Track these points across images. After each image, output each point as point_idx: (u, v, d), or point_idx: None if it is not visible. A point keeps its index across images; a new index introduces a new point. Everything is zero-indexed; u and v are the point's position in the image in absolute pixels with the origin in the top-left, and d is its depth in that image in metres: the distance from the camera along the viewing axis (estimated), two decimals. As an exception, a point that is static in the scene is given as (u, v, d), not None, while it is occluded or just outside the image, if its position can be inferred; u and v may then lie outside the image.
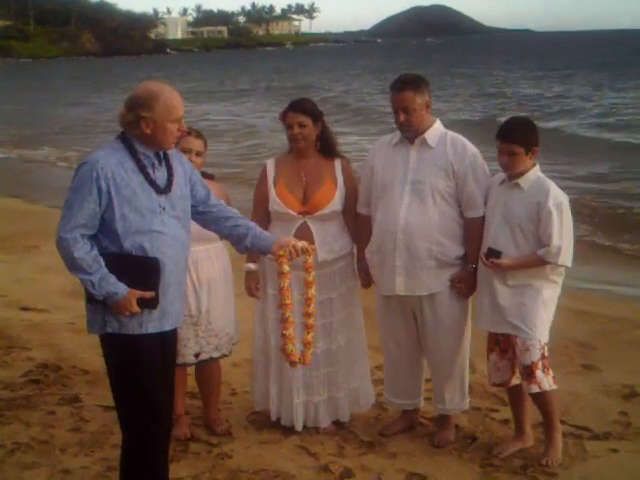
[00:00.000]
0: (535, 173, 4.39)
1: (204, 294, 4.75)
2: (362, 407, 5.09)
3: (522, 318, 4.37)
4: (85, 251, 3.48)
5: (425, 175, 4.52)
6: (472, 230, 4.55)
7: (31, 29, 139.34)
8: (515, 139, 4.32)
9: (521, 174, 4.38)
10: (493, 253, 4.34)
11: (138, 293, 3.55)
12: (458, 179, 4.50)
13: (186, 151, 4.57)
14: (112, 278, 3.51)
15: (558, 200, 4.28)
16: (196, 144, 4.68)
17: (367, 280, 4.88)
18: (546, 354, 4.42)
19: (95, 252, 3.50)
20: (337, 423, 5.01)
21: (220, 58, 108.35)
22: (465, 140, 4.61)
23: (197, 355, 4.80)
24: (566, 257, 4.29)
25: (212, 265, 4.77)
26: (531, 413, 4.68)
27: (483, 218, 4.53)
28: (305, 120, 4.69)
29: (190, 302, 4.69)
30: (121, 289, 3.52)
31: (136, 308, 3.55)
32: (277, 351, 4.81)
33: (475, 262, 4.57)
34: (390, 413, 5.16)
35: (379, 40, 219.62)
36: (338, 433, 4.94)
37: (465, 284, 4.58)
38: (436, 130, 4.59)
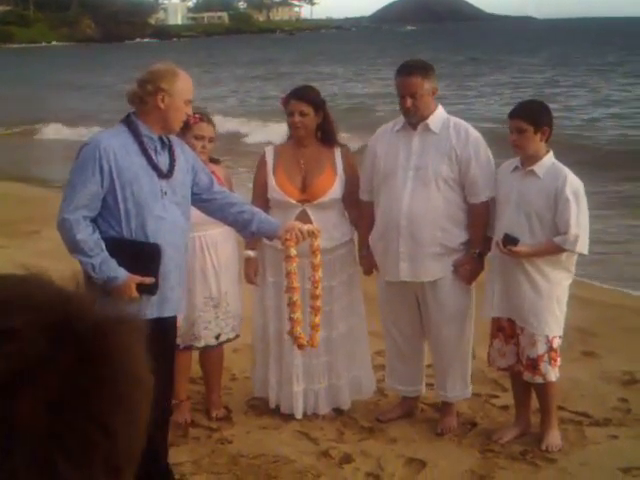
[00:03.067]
0: (550, 159, 4.37)
1: (223, 276, 4.77)
2: (364, 394, 5.10)
3: (534, 313, 4.36)
4: (88, 233, 3.47)
5: (428, 161, 4.50)
6: (476, 215, 4.54)
7: (31, 15, 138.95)
8: (523, 116, 4.30)
9: (535, 160, 4.34)
10: (510, 240, 4.27)
11: (138, 279, 3.55)
12: (461, 164, 4.48)
13: (199, 138, 4.58)
14: (113, 262, 3.50)
15: (575, 187, 4.26)
16: (209, 130, 4.67)
17: (369, 267, 4.88)
18: (555, 346, 4.41)
19: (97, 235, 3.50)
20: (337, 410, 5.01)
21: (221, 45, 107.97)
22: (468, 125, 4.60)
23: (217, 337, 4.82)
24: (583, 245, 4.28)
25: (227, 247, 4.80)
26: (533, 400, 4.69)
27: (487, 203, 4.52)
28: (307, 109, 4.66)
29: (211, 284, 4.73)
30: (121, 274, 3.51)
31: (135, 294, 3.55)
32: (276, 338, 4.82)
33: (478, 247, 4.57)
34: (390, 399, 5.16)
35: (354, 29, 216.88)
36: (338, 418, 4.94)
37: (469, 267, 4.58)
38: (439, 115, 4.56)
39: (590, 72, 37.36)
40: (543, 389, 4.50)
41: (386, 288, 4.79)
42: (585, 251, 4.33)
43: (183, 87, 3.64)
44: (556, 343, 4.43)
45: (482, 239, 4.58)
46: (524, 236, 4.30)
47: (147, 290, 3.59)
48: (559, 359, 4.46)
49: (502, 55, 55.91)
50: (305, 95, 4.71)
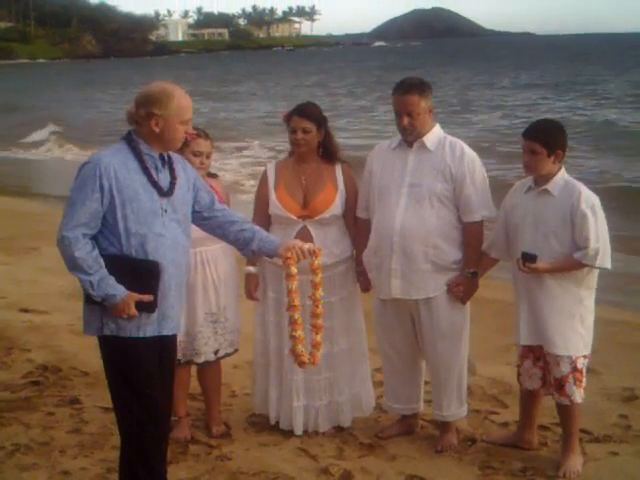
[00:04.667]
0: (562, 177, 4.32)
1: (222, 291, 4.78)
2: (365, 412, 5.09)
3: (557, 333, 4.30)
4: (86, 251, 3.47)
5: (423, 178, 4.50)
6: (470, 235, 4.54)
7: (32, 31, 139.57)
8: (537, 138, 4.25)
9: (547, 179, 4.30)
10: (528, 258, 4.22)
11: (136, 296, 3.54)
12: (456, 183, 4.48)
13: (197, 154, 4.61)
14: (111, 280, 3.50)
15: (591, 202, 4.21)
16: (206, 146, 4.68)
17: (366, 284, 4.87)
18: (579, 366, 4.35)
19: (96, 253, 3.50)
20: (337, 427, 5.00)
21: (222, 61, 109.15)
22: (464, 144, 4.59)
23: (216, 352, 4.83)
24: (605, 259, 4.22)
25: (227, 262, 4.80)
26: (537, 418, 4.67)
27: (481, 223, 4.52)
28: (309, 126, 4.67)
29: (211, 300, 4.74)
30: (120, 291, 3.51)
31: (134, 311, 3.54)
32: (277, 354, 4.82)
33: (472, 267, 4.55)
34: (389, 416, 5.14)
35: (340, 46, 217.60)
36: (338, 435, 4.93)
37: (462, 288, 4.57)
38: (435, 134, 4.57)
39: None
40: (566, 410, 4.43)
41: (381, 306, 4.77)
42: (608, 265, 4.25)
43: (178, 109, 3.59)
44: (580, 363, 4.35)
45: (476, 259, 4.56)
46: (543, 256, 4.24)
47: (146, 308, 3.58)
48: (584, 380, 4.39)
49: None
50: (308, 112, 4.71)
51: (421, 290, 4.57)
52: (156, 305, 3.60)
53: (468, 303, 4.66)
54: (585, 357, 4.40)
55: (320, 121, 4.72)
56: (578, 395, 4.38)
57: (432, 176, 4.49)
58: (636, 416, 5.17)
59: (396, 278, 4.57)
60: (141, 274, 3.56)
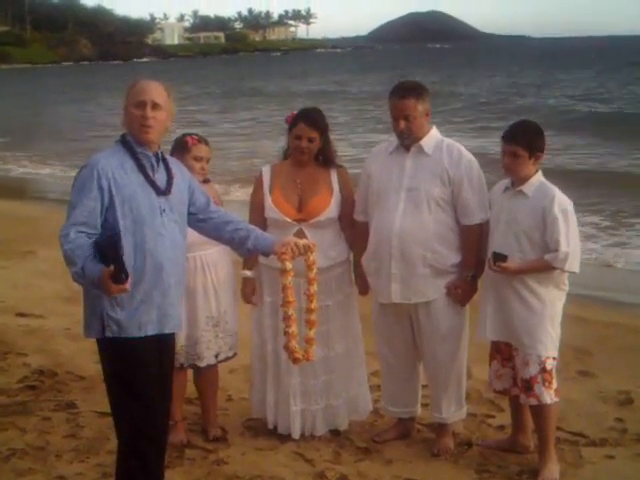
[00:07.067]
0: (538, 179, 4.35)
1: (222, 295, 4.80)
2: (361, 415, 5.08)
3: (527, 332, 4.32)
4: (74, 243, 3.37)
5: (420, 182, 4.50)
6: (468, 238, 4.54)
7: (28, 35, 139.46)
8: (519, 141, 4.28)
9: (524, 180, 4.34)
10: (499, 257, 4.26)
11: (108, 270, 3.38)
12: (454, 186, 4.48)
13: (198, 159, 4.69)
14: (91, 263, 3.36)
15: (563, 206, 4.24)
16: (207, 151, 4.76)
17: (364, 287, 4.87)
18: (548, 367, 4.36)
19: (80, 241, 3.40)
20: (333, 430, 5.00)
21: (216, 64, 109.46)
22: (461, 147, 4.59)
23: (216, 355, 4.84)
24: (574, 263, 4.24)
25: (225, 266, 4.83)
26: (528, 421, 4.67)
27: (480, 225, 4.52)
28: (315, 135, 4.68)
29: (211, 303, 4.76)
30: (97, 271, 3.42)
31: (115, 287, 3.34)
32: (273, 358, 4.82)
33: (472, 270, 4.56)
34: (386, 419, 5.15)
35: (320, 50, 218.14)
36: (334, 439, 4.93)
37: (461, 291, 4.58)
38: (432, 137, 4.57)
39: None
40: (538, 412, 4.43)
41: (379, 309, 4.77)
42: (576, 269, 4.28)
43: (132, 94, 3.64)
44: (549, 364, 4.36)
45: (475, 262, 4.57)
46: (514, 255, 4.29)
47: (116, 279, 3.35)
48: (554, 381, 4.39)
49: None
50: (316, 121, 4.70)
51: (420, 294, 4.57)
52: (124, 274, 3.37)
53: (467, 306, 4.67)
54: (554, 359, 4.41)
55: (323, 129, 4.73)
56: (547, 396, 4.37)
57: (430, 180, 4.49)
58: (632, 419, 5.17)
59: (396, 283, 4.57)
60: (105, 250, 3.43)
